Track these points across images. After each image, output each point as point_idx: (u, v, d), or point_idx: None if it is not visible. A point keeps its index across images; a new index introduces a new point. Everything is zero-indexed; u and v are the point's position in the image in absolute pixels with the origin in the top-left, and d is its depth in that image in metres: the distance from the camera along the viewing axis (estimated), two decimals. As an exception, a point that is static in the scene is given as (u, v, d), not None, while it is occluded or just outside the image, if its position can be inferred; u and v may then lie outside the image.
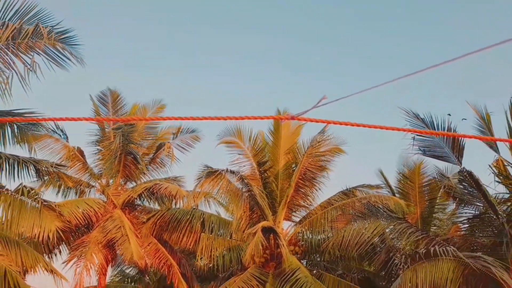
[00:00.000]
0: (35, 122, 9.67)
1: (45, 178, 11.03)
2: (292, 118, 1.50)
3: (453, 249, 8.04)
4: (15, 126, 9.38)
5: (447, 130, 9.39)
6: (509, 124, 9.16)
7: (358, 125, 1.71)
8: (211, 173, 11.40)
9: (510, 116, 9.20)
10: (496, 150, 9.13)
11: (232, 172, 11.71)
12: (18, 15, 8.02)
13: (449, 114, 8.79)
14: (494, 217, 9.07)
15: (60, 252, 12.52)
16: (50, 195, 12.92)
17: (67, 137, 13.14)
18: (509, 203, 9.22)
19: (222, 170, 11.47)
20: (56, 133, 12.87)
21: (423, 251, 7.98)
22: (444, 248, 8.01)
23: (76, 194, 13.22)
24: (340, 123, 1.67)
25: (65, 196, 13.16)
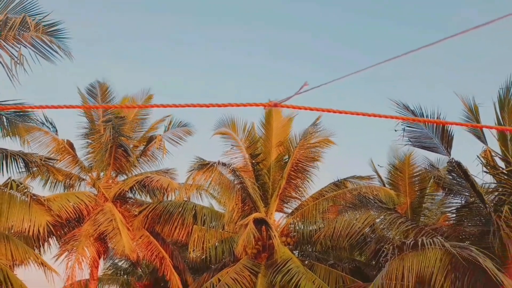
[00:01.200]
0: (23, 111, 9.54)
1: (34, 169, 10.91)
2: (275, 105, 1.50)
3: (439, 240, 8.16)
4: (5, 118, 9.25)
5: (437, 124, 9.46)
6: (497, 115, 9.27)
7: (342, 112, 1.72)
8: (203, 166, 11.39)
9: (499, 107, 9.31)
10: (484, 141, 9.25)
11: (224, 164, 11.71)
12: (2, 4, 7.84)
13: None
14: (482, 206, 9.22)
15: (50, 246, 12.46)
16: (37, 186, 12.77)
17: (56, 130, 13.00)
18: (496, 193, 9.37)
19: (214, 163, 11.47)
20: (45, 125, 12.72)
21: (411, 242, 8.10)
22: (431, 239, 8.13)
23: (65, 188, 13.11)
24: (324, 110, 1.67)
25: (53, 189, 13.05)
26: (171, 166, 13.57)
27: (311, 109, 1.67)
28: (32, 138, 12.48)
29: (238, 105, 1.67)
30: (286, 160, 12.43)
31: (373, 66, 1.34)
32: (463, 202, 9.84)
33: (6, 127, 9.25)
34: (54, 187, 13.08)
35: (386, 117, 1.80)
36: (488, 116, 9.41)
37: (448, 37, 1.23)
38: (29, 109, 9.73)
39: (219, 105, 1.72)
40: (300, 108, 1.64)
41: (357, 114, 1.70)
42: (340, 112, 1.66)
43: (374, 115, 1.69)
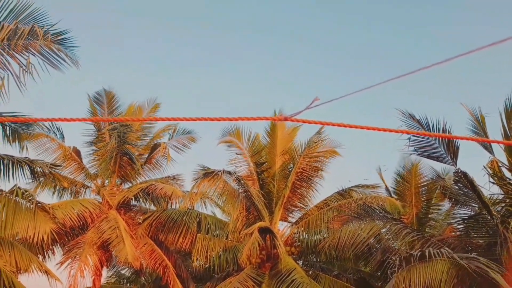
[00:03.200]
0: (28, 122, 9.63)
1: (41, 179, 10.98)
2: (286, 119, 1.50)
3: (447, 251, 8.07)
4: (8, 127, 9.35)
5: (442, 132, 9.42)
6: (503, 126, 9.22)
7: (351, 126, 1.72)
8: (207, 174, 11.39)
9: (505, 117, 9.26)
10: (490, 151, 9.18)
11: (229, 172, 11.71)
12: (13, 14, 7.98)
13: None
14: (489, 217, 9.11)
15: (54, 253, 12.45)
16: (45, 196, 12.84)
17: (63, 136, 13.09)
18: (503, 204, 9.27)
19: (219, 171, 11.47)
20: (52, 131, 12.80)
21: (418, 253, 8.01)
22: (438, 250, 8.04)
23: (71, 195, 13.16)
24: (333, 124, 1.67)
25: (60, 197, 13.10)
26: (176, 174, 13.60)
27: (321, 123, 1.67)
28: (39, 144, 12.58)
29: (248, 119, 1.68)
30: (290, 169, 12.40)
31: (385, 82, 1.34)
32: (469, 213, 9.74)
33: (8, 135, 9.35)
34: (60, 195, 13.14)
35: (396, 131, 1.79)
36: (495, 126, 9.36)
37: (461, 54, 1.24)
38: (34, 121, 9.83)
39: (229, 119, 1.72)
40: (310, 122, 1.64)
41: (367, 128, 1.70)
42: (350, 127, 1.66)
43: (384, 130, 1.69)
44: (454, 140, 9.31)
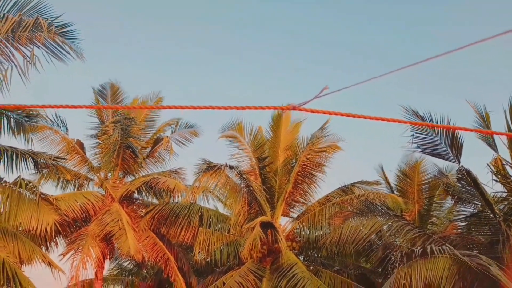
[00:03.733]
0: (33, 115, 9.67)
1: (44, 171, 11.03)
2: (294, 108, 1.50)
3: (449, 247, 8.07)
4: (13, 119, 9.37)
5: (446, 128, 9.38)
6: (508, 124, 9.17)
7: (358, 117, 1.71)
8: (210, 168, 11.40)
9: (510, 115, 9.21)
10: (494, 149, 9.15)
11: (231, 167, 11.71)
12: (18, 6, 7.97)
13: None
14: (491, 215, 9.10)
15: (57, 244, 12.53)
16: (49, 188, 12.92)
17: (67, 129, 13.12)
18: (506, 202, 9.24)
19: (221, 165, 11.47)
20: (56, 124, 12.84)
21: (420, 250, 8.01)
22: (440, 247, 8.04)
23: (74, 187, 13.22)
24: (342, 114, 1.66)
25: (63, 189, 13.16)
26: (178, 167, 13.62)
27: (328, 113, 1.66)
28: (42, 136, 12.62)
29: (256, 108, 1.67)
30: (293, 164, 12.39)
31: (390, 73, 1.34)
32: (472, 210, 9.73)
33: (13, 127, 9.38)
34: (63, 187, 13.20)
35: (400, 122, 1.78)
36: (499, 124, 9.32)
37: (459, 48, 1.23)
38: (38, 108, 9.87)
39: (237, 108, 1.72)
40: (318, 112, 1.63)
41: (374, 118, 1.70)
42: (359, 117, 1.66)
43: (392, 120, 1.69)
44: (458, 137, 9.27)
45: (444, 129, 9.41)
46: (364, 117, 1.64)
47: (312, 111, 1.60)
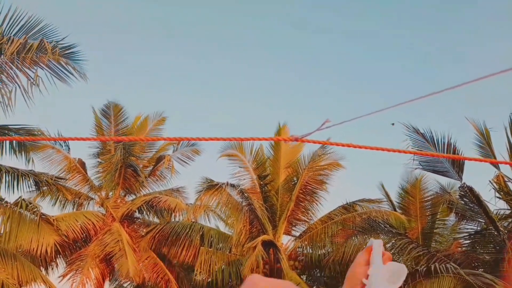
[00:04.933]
0: (35, 131, 9.73)
1: (44, 188, 11.00)
2: (296, 139, 1.52)
3: (453, 266, 7.97)
4: (15, 141, 9.42)
5: (447, 145, 9.41)
6: (509, 141, 9.19)
7: (360, 147, 1.74)
8: (211, 186, 11.38)
9: (510, 132, 9.24)
10: (496, 166, 9.15)
11: (233, 185, 11.69)
12: (24, 30, 8.14)
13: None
14: (495, 233, 9.02)
15: (57, 265, 12.40)
16: (47, 205, 12.84)
17: (69, 148, 13.18)
18: (510, 219, 9.18)
19: (222, 183, 11.46)
20: (58, 143, 12.89)
21: (424, 269, 7.91)
22: (444, 265, 7.94)
23: (73, 207, 13.17)
24: (343, 145, 1.69)
25: (63, 207, 13.10)
26: (180, 186, 13.60)
27: (330, 144, 1.69)
28: (44, 155, 12.66)
29: (260, 139, 1.70)
30: (294, 182, 12.37)
31: (395, 106, 1.37)
32: (476, 228, 9.65)
33: (15, 148, 9.44)
34: (63, 206, 13.15)
35: (403, 152, 1.80)
36: (500, 141, 9.34)
37: (469, 81, 1.26)
38: (41, 129, 9.95)
39: (241, 139, 1.74)
40: (320, 143, 1.66)
41: (376, 149, 1.72)
42: (360, 147, 1.69)
43: (394, 150, 1.71)
44: (460, 154, 9.28)
45: (446, 146, 9.44)
46: (366, 148, 1.67)
47: (315, 142, 1.62)
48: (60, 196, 12.93)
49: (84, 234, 12.20)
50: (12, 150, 9.53)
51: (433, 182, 11.15)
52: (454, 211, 9.89)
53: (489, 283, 7.51)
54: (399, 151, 1.74)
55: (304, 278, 12.43)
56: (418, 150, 9.72)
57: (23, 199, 9.29)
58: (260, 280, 0.54)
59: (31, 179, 9.50)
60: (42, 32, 8.20)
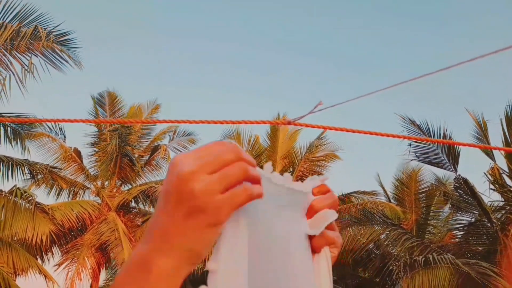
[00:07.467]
0: (30, 123, 9.65)
1: (39, 176, 10.95)
2: (289, 123, 1.50)
3: (450, 257, 8.06)
4: (9, 128, 9.35)
5: (443, 137, 9.44)
6: (504, 133, 9.23)
7: (354, 131, 1.72)
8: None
9: (506, 124, 9.27)
10: (492, 157, 9.19)
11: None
12: (18, 18, 8.01)
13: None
14: (489, 224, 9.11)
15: (52, 254, 12.41)
16: (41, 194, 12.79)
17: (65, 137, 13.08)
18: (503, 211, 9.26)
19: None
20: (54, 131, 12.79)
21: (422, 259, 7.99)
22: (441, 256, 8.02)
23: (69, 196, 13.14)
24: (336, 129, 1.68)
25: (57, 196, 13.06)
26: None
27: (324, 128, 1.67)
28: (40, 143, 12.57)
29: (251, 122, 1.68)
30: (291, 173, 12.37)
31: (389, 87, 1.35)
32: (470, 219, 9.74)
33: (10, 136, 9.36)
34: (58, 195, 13.11)
35: (398, 137, 1.79)
36: (496, 132, 9.37)
37: (463, 62, 1.24)
38: (35, 122, 9.86)
39: (233, 122, 1.73)
40: (313, 127, 1.64)
41: (369, 133, 1.70)
42: (353, 131, 1.67)
43: (389, 135, 1.69)
44: (455, 146, 9.31)
45: (442, 138, 9.45)
46: (359, 132, 1.65)
47: (307, 126, 1.60)
48: (55, 185, 12.89)
49: (80, 223, 12.20)
50: (7, 139, 9.46)
51: (428, 174, 11.22)
52: (449, 202, 9.96)
53: (485, 272, 7.60)
54: (393, 136, 1.73)
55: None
56: (414, 142, 9.75)
57: (18, 188, 9.25)
58: (184, 157, 0.45)
59: (25, 169, 9.45)
60: (37, 21, 8.08)
